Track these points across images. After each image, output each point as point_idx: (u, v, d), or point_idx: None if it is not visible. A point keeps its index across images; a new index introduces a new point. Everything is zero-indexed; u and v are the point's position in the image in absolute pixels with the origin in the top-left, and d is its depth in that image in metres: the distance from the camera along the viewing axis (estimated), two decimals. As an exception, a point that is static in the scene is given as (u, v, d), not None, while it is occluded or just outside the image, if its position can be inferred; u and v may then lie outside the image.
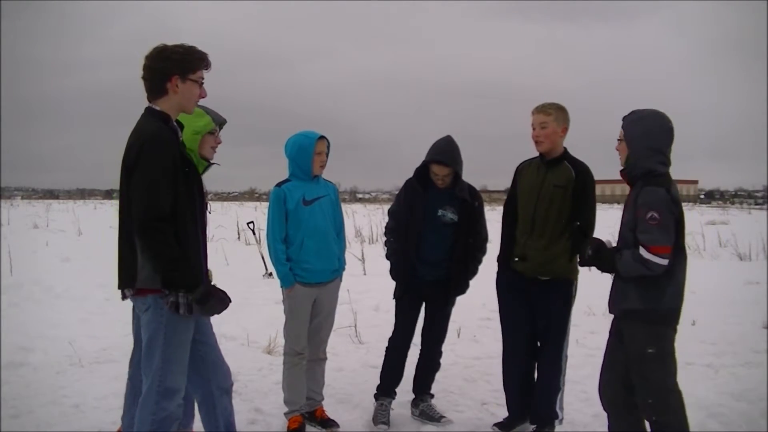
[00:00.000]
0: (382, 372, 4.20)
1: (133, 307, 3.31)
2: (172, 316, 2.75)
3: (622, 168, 3.24)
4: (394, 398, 4.19)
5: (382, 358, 4.23)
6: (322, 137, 3.91)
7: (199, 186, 2.89)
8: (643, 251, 3.00)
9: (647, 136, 3.13)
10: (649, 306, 3.07)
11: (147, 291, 2.76)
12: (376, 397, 4.18)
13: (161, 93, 2.79)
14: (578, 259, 3.41)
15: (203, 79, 2.85)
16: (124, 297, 2.97)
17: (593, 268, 3.36)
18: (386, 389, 4.16)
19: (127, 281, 2.79)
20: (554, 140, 3.74)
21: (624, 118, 3.22)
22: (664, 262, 2.98)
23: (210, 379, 3.00)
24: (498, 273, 4.02)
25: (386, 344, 4.22)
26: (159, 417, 2.78)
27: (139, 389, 3.29)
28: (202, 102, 3.05)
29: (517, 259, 3.84)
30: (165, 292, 2.72)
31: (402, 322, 4.14)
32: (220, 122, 3.70)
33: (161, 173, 2.65)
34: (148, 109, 2.82)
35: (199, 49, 2.83)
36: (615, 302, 3.22)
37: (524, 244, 3.80)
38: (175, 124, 2.84)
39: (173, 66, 2.76)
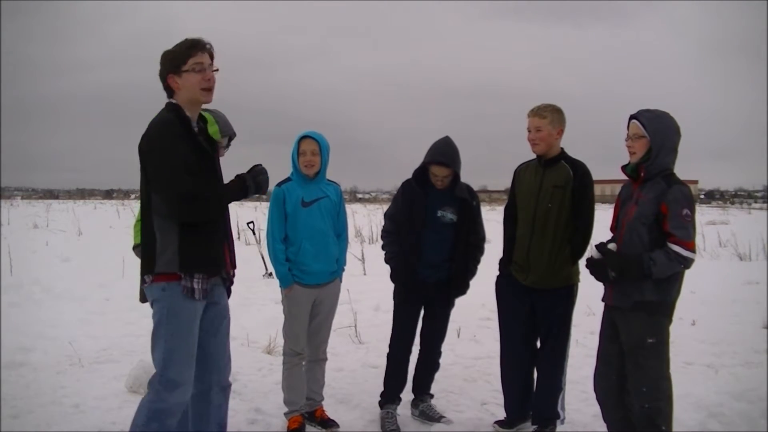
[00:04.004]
0: (385, 379, 4.14)
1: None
2: (176, 304, 2.76)
3: (636, 162, 3.23)
4: (399, 404, 4.16)
5: (382, 358, 4.21)
6: (305, 136, 3.84)
7: (219, 176, 2.94)
8: (679, 248, 3.08)
9: (669, 134, 3.19)
10: (662, 298, 3.17)
11: (163, 277, 2.77)
12: (381, 405, 4.12)
13: (170, 93, 2.89)
14: (593, 275, 3.35)
15: (202, 63, 2.84)
16: (143, 299, 2.93)
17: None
18: (391, 396, 4.12)
19: (148, 268, 2.81)
20: (550, 143, 3.73)
21: (639, 116, 3.22)
22: (695, 257, 3.14)
23: (210, 372, 2.95)
24: (498, 276, 4.01)
25: (386, 345, 4.19)
26: (155, 407, 2.74)
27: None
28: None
29: (519, 265, 3.82)
30: (181, 277, 2.75)
31: (401, 326, 4.10)
32: (228, 134, 3.65)
33: (170, 157, 2.71)
34: (166, 104, 2.92)
35: (189, 39, 2.87)
36: (623, 295, 3.23)
37: (528, 249, 3.77)
38: (185, 113, 2.87)
39: (166, 66, 2.86)
